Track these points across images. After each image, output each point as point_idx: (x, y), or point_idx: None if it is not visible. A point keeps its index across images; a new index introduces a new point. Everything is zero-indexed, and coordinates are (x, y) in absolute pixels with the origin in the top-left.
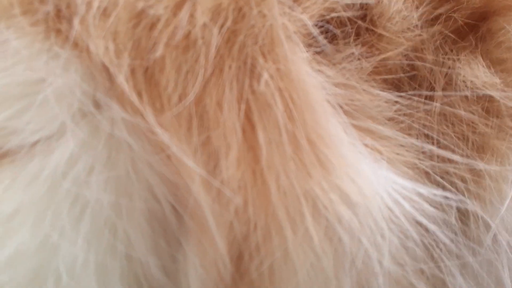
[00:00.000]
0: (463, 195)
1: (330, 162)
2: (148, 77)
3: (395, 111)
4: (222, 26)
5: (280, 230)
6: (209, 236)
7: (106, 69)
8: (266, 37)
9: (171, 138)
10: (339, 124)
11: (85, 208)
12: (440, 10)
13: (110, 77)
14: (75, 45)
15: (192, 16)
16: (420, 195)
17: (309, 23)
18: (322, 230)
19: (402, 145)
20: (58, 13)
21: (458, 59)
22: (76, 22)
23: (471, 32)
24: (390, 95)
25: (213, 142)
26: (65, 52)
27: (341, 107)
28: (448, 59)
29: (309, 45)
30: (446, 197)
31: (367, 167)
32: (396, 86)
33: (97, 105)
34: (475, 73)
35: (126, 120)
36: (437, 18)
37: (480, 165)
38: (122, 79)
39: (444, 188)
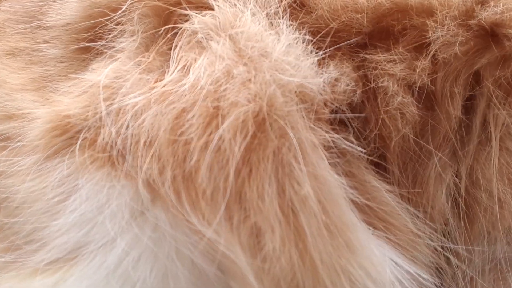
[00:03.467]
0: None
1: (354, 245)
2: (185, 179)
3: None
4: (245, 137)
5: None
6: None
7: (150, 184)
8: (295, 146)
9: (207, 225)
10: (353, 213)
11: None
12: None
13: (154, 190)
14: (127, 175)
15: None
16: (409, 273)
17: (329, 138)
18: None
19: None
20: (117, 154)
21: None
22: (128, 158)
23: None
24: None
25: (254, 223)
26: (119, 183)
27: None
28: None
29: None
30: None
31: (375, 248)
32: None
33: (141, 213)
34: None
35: (169, 217)
36: None
37: None
38: (165, 188)
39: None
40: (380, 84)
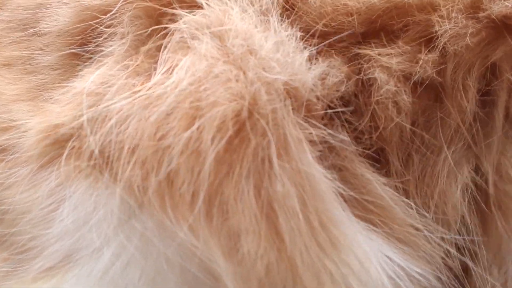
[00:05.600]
0: None
1: (339, 241)
2: (168, 184)
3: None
4: (222, 137)
5: None
6: None
7: (134, 191)
8: (279, 143)
9: (189, 229)
10: (341, 207)
11: None
12: None
13: (139, 196)
14: (113, 182)
15: (199, 133)
16: (403, 268)
17: (315, 133)
18: None
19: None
20: (103, 161)
21: None
22: (114, 165)
23: None
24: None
25: (232, 225)
26: (106, 191)
27: (342, 194)
28: None
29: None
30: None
31: (364, 243)
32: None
33: (128, 220)
34: None
35: (155, 223)
36: None
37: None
38: (149, 194)
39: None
40: (370, 76)
